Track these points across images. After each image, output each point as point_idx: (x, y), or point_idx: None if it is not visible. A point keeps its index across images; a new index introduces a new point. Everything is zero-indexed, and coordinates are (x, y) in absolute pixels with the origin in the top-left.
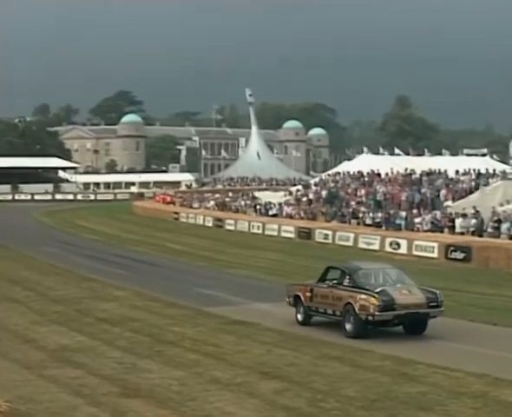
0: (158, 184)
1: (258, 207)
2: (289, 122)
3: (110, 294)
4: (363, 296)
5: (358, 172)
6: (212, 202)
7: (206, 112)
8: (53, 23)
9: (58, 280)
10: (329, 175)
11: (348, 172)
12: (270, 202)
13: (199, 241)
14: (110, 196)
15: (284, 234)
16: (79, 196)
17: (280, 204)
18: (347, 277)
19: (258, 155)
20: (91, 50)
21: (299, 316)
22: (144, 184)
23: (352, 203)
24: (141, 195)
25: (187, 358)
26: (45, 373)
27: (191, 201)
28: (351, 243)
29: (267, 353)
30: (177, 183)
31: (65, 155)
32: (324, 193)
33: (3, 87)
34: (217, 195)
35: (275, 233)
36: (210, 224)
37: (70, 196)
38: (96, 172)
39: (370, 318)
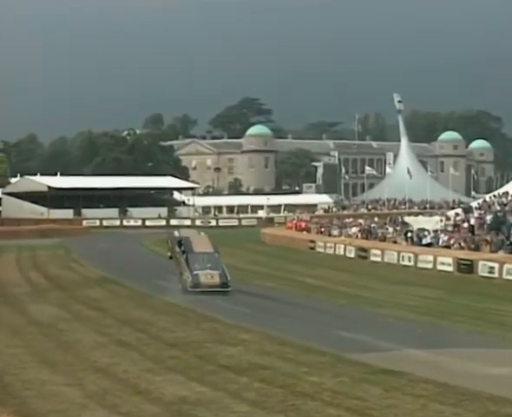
0: (290, 208)
1: (409, 234)
2: (446, 134)
3: (235, 338)
4: (186, 273)
5: None
6: (354, 229)
7: (346, 122)
8: (165, 27)
9: (175, 320)
10: (494, 196)
11: None
12: (423, 229)
13: (338, 274)
14: (234, 222)
15: (440, 267)
16: (198, 222)
17: (436, 231)
18: (185, 254)
19: (408, 172)
20: (211, 52)
21: (169, 253)
22: (274, 208)
23: None
24: (270, 221)
25: (327, 413)
26: None
27: (329, 227)
28: None
29: (422, 408)
30: (313, 206)
31: (181, 173)
32: (488, 218)
33: (109, 95)
34: (360, 221)
35: (430, 265)
36: (352, 255)
37: (187, 222)
38: (218, 193)
39: (187, 289)
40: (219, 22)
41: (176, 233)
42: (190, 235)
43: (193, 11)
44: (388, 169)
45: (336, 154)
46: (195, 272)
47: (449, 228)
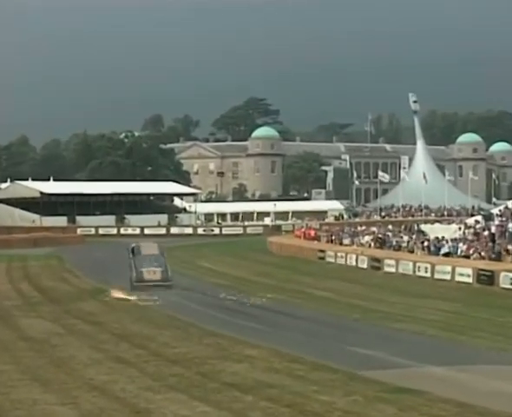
0: (298, 215)
1: (425, 243)
2: (464, 136)
3: (241, 354)
4: (133, 272)
5: None
6: (367, 238)
7: (358, 124)
8: (165, 27)
9: (176, 335)
10: None
11: None
12: (441, 238)
13: (350, 286)
14: (239, 230)
15: (459, 279)
16: (200, 230)
17: (454, 240)
18: (134, 258)
19: (424, 177)
20: (211, 52)
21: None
22: (281, 215)
23: None
24: (277, 229)
25: None
26: None
27: (340, 236)
28: None
29: None
30: (322, 213)
31: (183, 178)
32: (510, 226)
33: (107, 96)
34: (373, 229)
35: (448, 277)
36: (364, 265)
37: (189, 230)
38: (221, 200)
39: (132, 283)
40: (220, 22)
41: (133, 244)
42: (142, 244)
43: (194, 11)
44: (403, 174)
45: (347, 157)
46: (140, 269)
47: (469, 237)
